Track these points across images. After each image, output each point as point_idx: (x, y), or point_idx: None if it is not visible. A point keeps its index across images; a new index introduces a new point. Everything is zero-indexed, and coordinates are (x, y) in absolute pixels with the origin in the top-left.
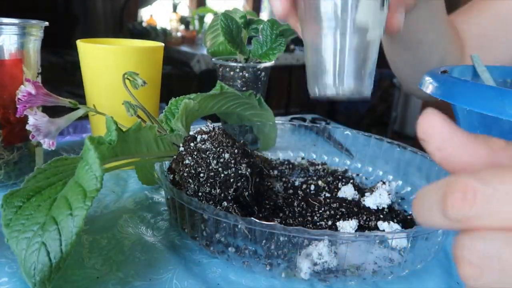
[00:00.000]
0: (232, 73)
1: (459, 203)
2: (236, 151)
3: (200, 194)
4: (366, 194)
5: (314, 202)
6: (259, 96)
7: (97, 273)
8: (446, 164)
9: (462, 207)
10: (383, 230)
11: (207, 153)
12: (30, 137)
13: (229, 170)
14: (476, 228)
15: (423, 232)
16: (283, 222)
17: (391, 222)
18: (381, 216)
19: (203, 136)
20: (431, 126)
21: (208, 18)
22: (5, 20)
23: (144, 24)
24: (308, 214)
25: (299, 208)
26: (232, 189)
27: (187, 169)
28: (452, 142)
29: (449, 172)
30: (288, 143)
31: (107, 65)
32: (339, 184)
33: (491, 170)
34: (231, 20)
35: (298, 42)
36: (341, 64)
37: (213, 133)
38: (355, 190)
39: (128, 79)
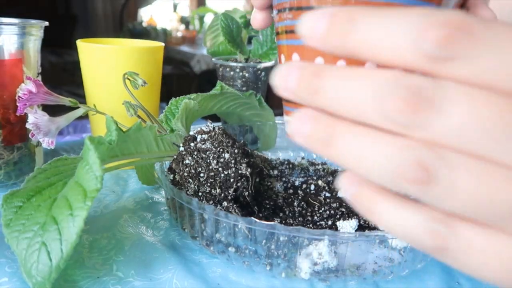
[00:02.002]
0: (232, 73)
1: (451, 39)
2: (236, 151)
3: (200, 194)
4: None
5: (314, 202)
6: (259, 96)
7: (97, 273)
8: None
9: (455, 43)
10: (383, 230)
11: (207, 153)
12: (30, 136)
13: (229, 170)
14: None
15: None
16: (283, 222)
17: None
18: None
19: (203, 136)
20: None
21: (208, 18)
22: (5, 20)
23: (144, 24)
24: (308, 214)
25: (299, 208)
26: (232, 189)
27: (187, 169)
28: None
29: None
30: (288, 143)
31: (107, 65)
32: None
33: None
34: (231, 20)
35: None
36: None
37: (213, 133)
38: None
39: (128, 79)
